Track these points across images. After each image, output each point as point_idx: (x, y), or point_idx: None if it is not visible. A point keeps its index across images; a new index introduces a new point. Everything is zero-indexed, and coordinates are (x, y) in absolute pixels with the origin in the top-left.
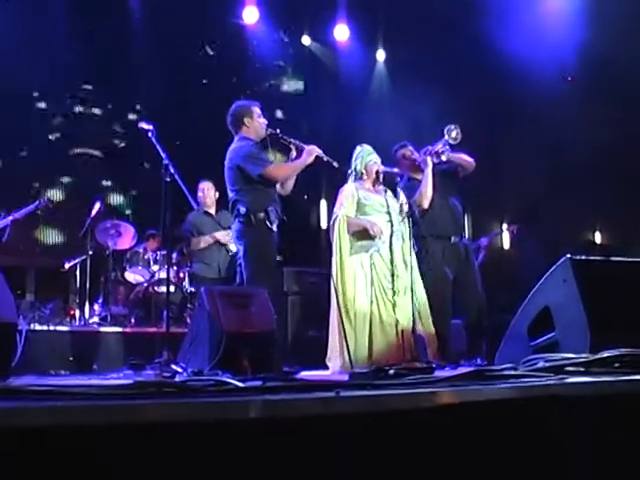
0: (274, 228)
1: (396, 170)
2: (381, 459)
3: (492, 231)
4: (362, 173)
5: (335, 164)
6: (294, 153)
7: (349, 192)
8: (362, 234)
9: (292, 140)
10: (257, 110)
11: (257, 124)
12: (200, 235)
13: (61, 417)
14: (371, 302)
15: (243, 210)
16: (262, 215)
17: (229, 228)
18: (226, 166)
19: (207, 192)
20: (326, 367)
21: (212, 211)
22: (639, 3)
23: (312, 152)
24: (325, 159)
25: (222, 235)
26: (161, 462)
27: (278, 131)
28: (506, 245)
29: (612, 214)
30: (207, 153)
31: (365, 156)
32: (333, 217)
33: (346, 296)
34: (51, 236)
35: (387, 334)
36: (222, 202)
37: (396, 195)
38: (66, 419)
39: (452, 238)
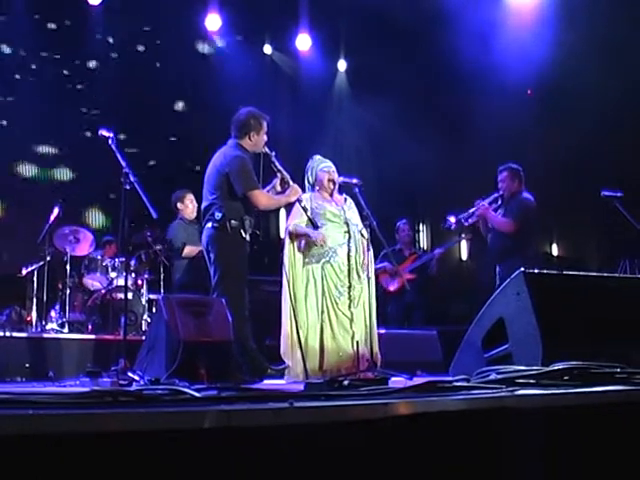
0: (247, 237)
1: (355, 181)
2: (334, 470)
3: (447, 241)
4: (313, 184)
5: (309, 214)
6: (278, 183)
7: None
8: (313, 245)
9: (281, 169)
10: (265, 126)
11: (260, 140)
12: (189, 244)
13: (16, 425)
14: (322, 312)
15: (219, 215)
16: (237, 223)
17: None
18: (215, 167)
19: (194, 203)
20: (282, 376)
21: (195, 222)
22: (601, 21)
23: (296, 192)
24: (303, 204)
25: None
26: (116, 472)
27: (273, 153)
28: (464, 256)
29: (568, 226)
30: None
31: (316, 166)
32: (285, 228)
33: (297, 306)
34: (8, 241)
35: (339, 344)
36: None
37: (359, 206)
38: (21, 428)
39: None
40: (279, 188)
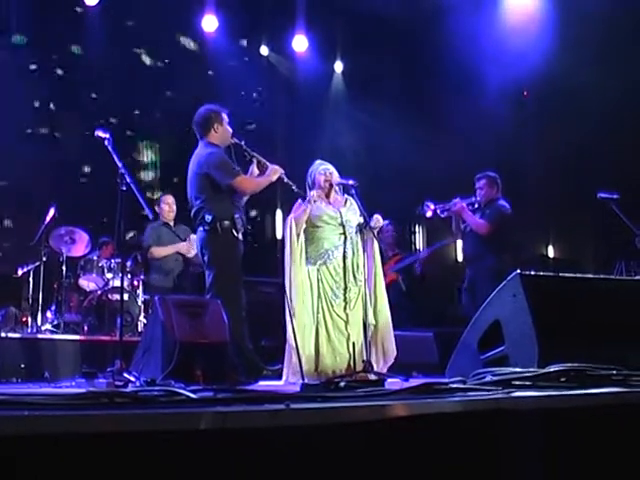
0: (240, 236)
1: (351, 182)
2: (331, 472)
3: (435, 243)
4: (312, 186)
5: (294, 187)
6: (254, 168)
7: (300, 208)
8: (312, 246)
9: (255, 154)
10: (226, 117)
11: (225, 131)
12: (160, 246)
13: (11, 427)
14: (317, 314)
15: (209, 218)
16: (228, 223)
17: (185, 240)
18: (193, 172)
19: (172, 206)
20: (279, 377)
21: (171, 223)
22: (598, 21)
23: (276, 171)
24: (285, 180)
25: (182, 246)
26: (112, 473)
27: (243, 142)
28: (460, 257)
29: (564, 228)
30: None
31: (315, 169)
32: (284, 224)
33: (293, 306)
34: (4, 242)
35: (334, 346)
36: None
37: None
38: (17, 429)
39: None
40: (257, 172)
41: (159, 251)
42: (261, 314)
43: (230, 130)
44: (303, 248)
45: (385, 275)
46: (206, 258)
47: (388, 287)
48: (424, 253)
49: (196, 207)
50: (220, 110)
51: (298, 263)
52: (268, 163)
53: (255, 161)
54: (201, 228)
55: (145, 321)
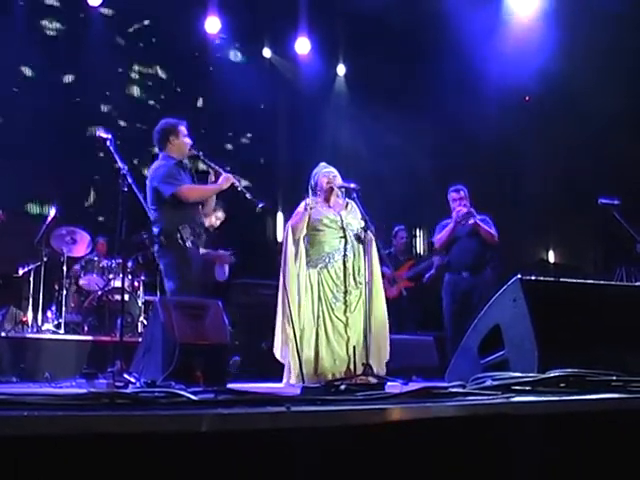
0: (188, 245)
1: (352, 185)
2: (330, 474)
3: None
4: (315, 189)
5: (248, 195)
6: (212, 177)
7: (302, 206)
8: (312, 249)
9: (212, 164)
10: (183, 129)
11: (182, 143)
12: None
13: (11, 427)
14: (317, 317)
15: (156, 231)
16: (174, 235)
17: None
18: (147, 185)
19: (218, 220)
20: (279, 379)
21: None
22: (600, 27)
23: (228, 179)
24: (239, 189)
25: None
26: (112, 474)
27: (201, 153)
28: None
29: (565, 233)
30: None
31: (318, 172)
32: (284, 229)
33: (293, 309)
34: (5, 241)
35: (333, 349)
36: None
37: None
38: (16, 429)
39: None
40: (213, 180)
41: None
42: (261, 316)
43: (188, 142)
44: (303, 254)
45: (397, 281)
46: (162, 269)
47: (400, 294)
48: (437, 260)
49: (150, 219)
50: (177, 123)
51: (294, 269)
52: (222, 171)
53: (212, 171)
54: (155, 240)
55: (145, 322)
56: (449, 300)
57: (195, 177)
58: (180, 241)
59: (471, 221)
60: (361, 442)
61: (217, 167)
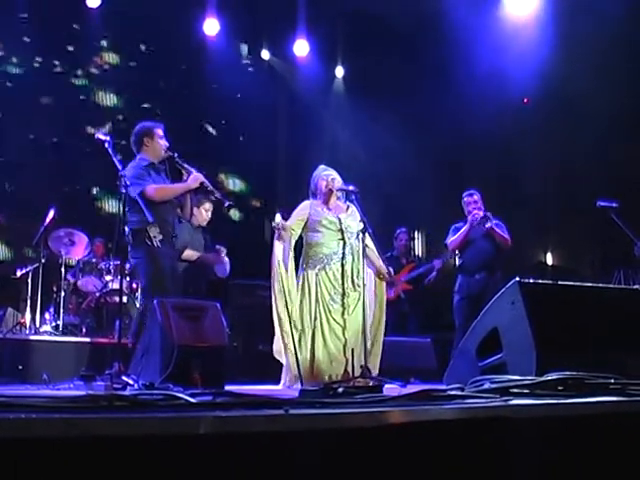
0: (156, 244)
1: (351, 188)
2: (328, 477)
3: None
4: (314, 191)
5: (218, 195)
6: (185, 177)
7: (301, 208)
8: (311, 251)
9: (185, 165)
10: (159, 132)
11: (157, 145)
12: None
13: (8, 429)
14: (314, 319)
15: (127, 231)
16: (142, 234)
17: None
18: None
19: (208, 212)
20: (277, 381)
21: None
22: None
23: (197, 179)
24: (209, 189)
25: (210, 257)
26: (110, 477)
27: (175, 155)
28: None
29: (563, 236)
30: None
31: (318, 174)
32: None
33: (290, 311)
34: (2, 243)
35: (330, 351)
36: None
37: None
38: (14, 431)
39: None
40: None
41: (192, 254)
42: (259, 318)
43: (163, 144)
44: (291, 254)
45: (395, 284)
46: (136, 270)
47: (398, 297)
48: (438, 263)
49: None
50: (152, 126)
51: (283, 269)
52: (194, 171)
53: (185, 172)
54: (126, 240)
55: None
56: (462, 302)
57: (170, 178)
58: (147, 240)
59: (488, 225)
60: (359, 445)
61: (189, 168)
